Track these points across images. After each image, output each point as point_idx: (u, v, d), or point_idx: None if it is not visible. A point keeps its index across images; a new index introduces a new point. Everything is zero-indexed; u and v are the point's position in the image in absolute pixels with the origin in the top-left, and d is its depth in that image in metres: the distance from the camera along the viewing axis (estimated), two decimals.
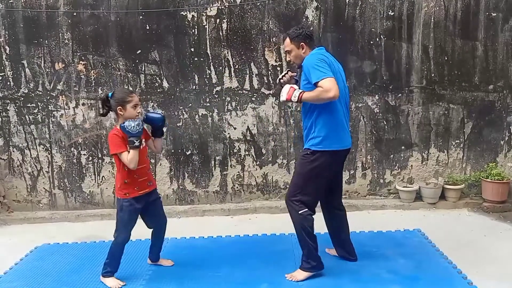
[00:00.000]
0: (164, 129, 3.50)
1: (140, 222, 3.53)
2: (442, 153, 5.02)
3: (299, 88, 3.13)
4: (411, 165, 5.03)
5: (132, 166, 3.02)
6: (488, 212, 4.72)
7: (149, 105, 4.83)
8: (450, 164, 5.04)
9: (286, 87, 3.16)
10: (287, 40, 3.21)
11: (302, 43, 3.15)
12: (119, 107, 3.05)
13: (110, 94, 3.13)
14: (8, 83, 4.77)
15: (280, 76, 3.38)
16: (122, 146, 3.03)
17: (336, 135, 3.14)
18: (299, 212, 3.17)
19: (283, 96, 3.15)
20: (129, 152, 3.02)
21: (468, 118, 4.95)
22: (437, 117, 4.94)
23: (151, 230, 3.49)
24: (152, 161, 4.93)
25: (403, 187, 4.96)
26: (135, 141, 3.00)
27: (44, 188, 4.99)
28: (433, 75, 4.84)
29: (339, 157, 3.25)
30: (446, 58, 4.81)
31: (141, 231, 4.39)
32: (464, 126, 4.96)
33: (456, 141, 4.99)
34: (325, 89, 2.90)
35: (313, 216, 3.21)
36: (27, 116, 4.84)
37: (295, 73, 3.36)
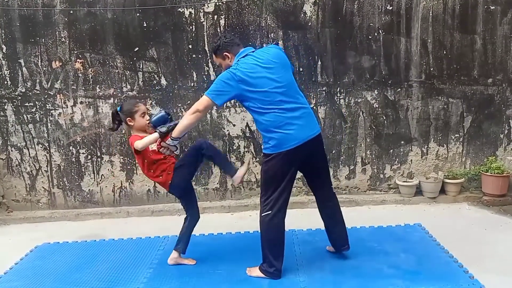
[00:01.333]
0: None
1: (140, 221, 3.53)
2: (442, 148, 5.01)
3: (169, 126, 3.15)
4: (411, 160, 5.02)
5: (140, 147, 3.11)
6: (488, 205, 4.72)
7: (147, 103, 4.80)
8: (450, 158, 5.03)
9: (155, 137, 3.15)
10: (213, 56, 3.28)
11: (225, 53, 3.17)
12: (128, 118, 3.26)
13: (119, 108, 3.32)
14: (5, 82, 4.74)
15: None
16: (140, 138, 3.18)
17: (283, 135, 3.02)
18: (262, 214, 3.17)
19: (160, 148, 3.17)
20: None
21: (468, 112, 4.94)
22: (436, 112, 4.93)
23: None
24: None
25: (403, 182, 4.95)
26: (163, 128, 3.12)
27: (43, 187, 4.97)
28: (432, 69, 4.83)
29: (298, 153, 3.09)
30: (445, 52, 4.80)
31: (141, 230, 4.41)
32: (463, 120, 4.96)
33: (456, 135, 4.99)
34: (197, 104, 3.03)
35: (278, 220, 3.14)
36: (25, 115, 4.82)
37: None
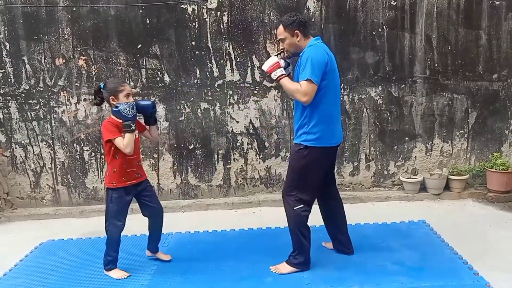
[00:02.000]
0: (157, 116, 3.45)
1: (144, 218, 3.53)
2: (446, 144, 4.98)
3: (288, 72, 3.11)
4: (415, 156, 5.00)
5: (128, 151, 3.01)
6: (493, 202, 4.69)
7: (150, 99, 4.80)
8: (454, 154, 5.01)
9: (273, 59, 3.09)
10: (281, 27, 3.09)
11: (296, 31, 3.04)
12: (112, 97, 3.08)
13: (102, 85, 3.14)
14: (9, 79, 4.75)
15: (277, 52, 3.27)
16: (116, 132, 3.04)
17: (330, 131, 3.09)
18: (294, 208, 3.15)
19: (265, 66, 3.09)
20: (123, 138, 3.01)
21: (472, 108, 4.91)
22: (441, 108, 4.90)
23: (148, 220, 3.48)
24: (155, 156, 4.93)
25: (407, 178, 4.93)
26: (131, 124, 2.99)
27: (47, 185, 4.99)
28: (436, 65, 4.80)
29: (332, 152, 3.23)
30: (449, 48, 4.77)
31: (145, 226, 4.40)
32: (468, 116, 4.92)
33: (460, 131, 4.96)
34: (302, 91, 2.91)
35: (308, 213, 3.18)
36: (28, 113, 4.83)
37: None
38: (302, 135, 3.10)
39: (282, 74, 3.04)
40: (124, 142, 3.00)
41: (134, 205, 4.87)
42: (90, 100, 4.78)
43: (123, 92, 3.08)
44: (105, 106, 4.77)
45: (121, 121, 3.00)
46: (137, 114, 3.08)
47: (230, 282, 3.18)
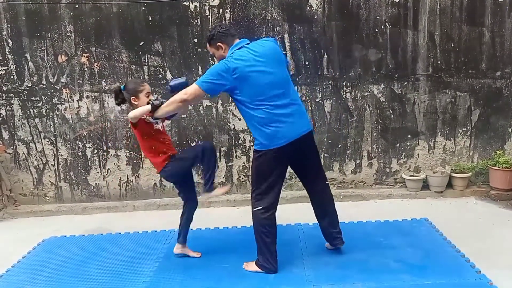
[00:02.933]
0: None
1: (146, 215, 3.54)
2: (449, 141, 4.97)
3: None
4: (418, 154, 4.99)
5: (132, 116, 3.05)
6: (496, 200, 4.68)
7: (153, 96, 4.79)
8: (457, 152, 4.99)
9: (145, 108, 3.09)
10: (207, 45, 3.21)
11: (218, 44, 3.10)
12: (133, 97, 3.16)
13: (122, 86, 3.23)
14: (12, 76, 4.76)
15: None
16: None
17: (270, 133, 3.00)
18: (254, 209, 3.18)
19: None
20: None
21: (475, 106, 4.89)
22: (443, 105, 4.88)
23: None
24: None
25: (410, 176, 4.92)
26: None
27: (50, 182, 5.00)
28: (439, 62, 4.78)
29: (288, 150, 3.08)
30: (452, 45, 4.75)
31: (147, 223, 4.42)
32: (471, 113, 4.91)
33: (463, 129, 4.94)
34: (184, 91, 2.98)
35: (267, 215, 3.15)
36: (31, 110, 4.83)
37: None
38: (255, 140, 3.14)
39: (158, 106, 3.05)
40: (137, 111, 3.05)
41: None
42: (93, 97, 4.79)
43: (143, 92, 3.17)
44: (107, 103, 4.82)
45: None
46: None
47: (232, 279, 3.18)
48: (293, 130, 3.07)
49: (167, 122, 3.69)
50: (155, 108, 3.05)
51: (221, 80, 2.93)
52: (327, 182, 3.44)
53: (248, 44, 3.09)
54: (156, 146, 3.24)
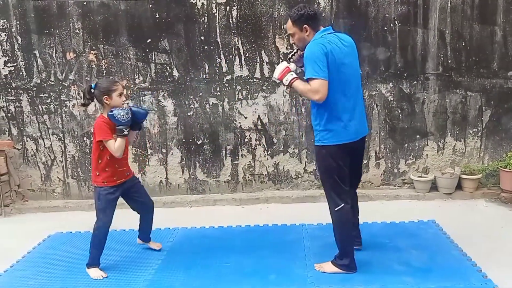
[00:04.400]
0: (143, 124, 3.50)
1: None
2: (459, 142, 4.88)
3: (297, 73, 3.03)
4: (426, 155, 4.91)
5: (118, 155, 3.06)
6: (506, 202, 4.58)
7: (159, 95, 4.81)
8: (467, 153, 4.90)
9: (282, 65, 3.03)
10: (289, 22, 3.02)
11: (305, 26, 2.95)
12: (105, 96, 3.09)
13: (93, 85, 3.15)
14: (21, 73, 4.80)
15: (289, 55, 3.23)
16: (109, 134, 3.06)
17: (341, 128, 2.96)
18: (335, 209, 3.08)
19: (276, 74, 3.03)
20: (115, 140, 3.05)
21: (486, 106, 4.79)
22: (453, 105, 4.80)
23: (140, 214, 3.54)
24: (164, 150, 4.93)
25: (418, 177, 4.84)
26: (124, 129, 3.04)
27: (58, 177, 5.04)
28: (449, 61, 4.69)
29: (349, 149, 3.05)
30: (463, 44, 4.65)
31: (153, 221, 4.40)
32: (482, 114, 4.81)
33: (474, 130, 4.85)
34: (313, 89, 2.82)
35: (347, 209, 3.07)
36: (40, 106, 4.88)
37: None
38: (317, 133, 3.05)
39: (293, 78, 2.97)
40: (116, 145, 3.05)
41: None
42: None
43: (116, 92, 3.10)
44: None
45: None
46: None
47: (234, 279, 3.17)
48: (358, 128, 3.07)
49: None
50: (123, 136, 3.04)
51: (325, 61, 2.82)
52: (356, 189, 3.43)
53: (335, 32, 3.04)
54: (103, 160, 3.15)
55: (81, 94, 3.30)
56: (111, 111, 3.02)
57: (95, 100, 3.22)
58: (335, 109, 2.95)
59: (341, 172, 3.04)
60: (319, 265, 3.25)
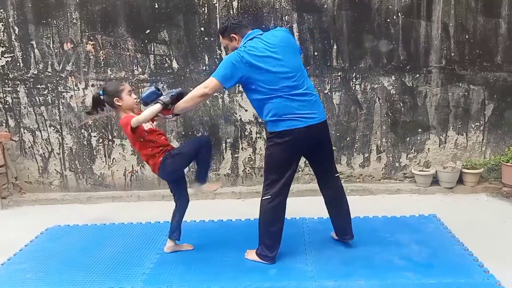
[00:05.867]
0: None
1: (151, 205, 3.49)
2: (461, 136, 4.84)
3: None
4: (428, 148, 4.86)
5: (142, 119, 2.99)
6: (508, 197, 4.55)
7: (158, 86, 4.73)
8: (469, 147, 4.86)
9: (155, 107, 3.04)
10: (220, 38, 3.21)
11: (232, 35, 3.09)
12: (116, 98, 3.08)
13: (101, 91, 3.16)
14: (18, 64, 4.74)
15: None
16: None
17: (289, 121, 2.98)
18: (262, 198, 3.16)
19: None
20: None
21: (489, 100, 4.74)
22: (456, 99, 4.74)
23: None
24: None
25: (419, 171, 4.81)
26: (162, 100, 3.01)
27: (55, 170, 5.00)
28: (453, 54, 4.63)
29: (303, 140, 3.04)
30: (467, 37, 4.59)
31: (150, 214, 4.39)
32: (484, 108, 4.76)
33: (476, 124, 4.80)
34: (204, 84, 2.98)
35: (274, 204, 3.12)
36: (37, 98, 4.81)
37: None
38: (268, 127, 3.11)
39: (168, 103, 3.03)
40: (147, 113, 2.98)
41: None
42: (98, 85, 4.74)
43: (124, 91, 3.11)
44: None
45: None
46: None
47: (233, 273, 3.12)
48: (308, 120, 3.03)
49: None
50: (166, 105, 3.00)
51: (236, 70, 2.92)
52: (337, 175, 3.38)
53: (260, 34, 3.08)
54: (152, 146, 3.16)
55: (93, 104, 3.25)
56: (142, 95, 3.07)
57: (90, 94, 3.22)
58: (277, 107, 2.98)
59: (278, 163, 3.09)
60: (248, 251, 3.34)
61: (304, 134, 3.01)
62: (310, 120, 3.02)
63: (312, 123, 3.03)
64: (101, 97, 3.15)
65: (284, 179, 3.10)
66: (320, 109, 3.13)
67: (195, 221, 4.14)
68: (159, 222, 4.10)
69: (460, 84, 4.70)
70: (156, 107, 3.00)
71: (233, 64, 2.92)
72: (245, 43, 3.03)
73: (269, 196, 3.12)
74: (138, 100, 3.23)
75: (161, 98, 3.03)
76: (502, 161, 4.66)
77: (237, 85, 4.65)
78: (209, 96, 3.12)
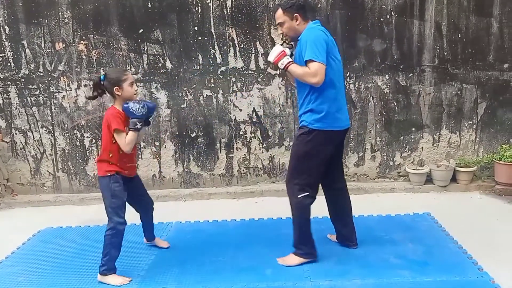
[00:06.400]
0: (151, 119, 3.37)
1: None
2: (454, 135, 4.86)
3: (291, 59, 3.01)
4: (422, 147, 4.88)
5: (127, 149, 2.92)
6: (501, 195, 4.58)
7: (152, 86, 4.72)
8: (462, 146, 4.89)
9: (278, 49, 3.01)
10: (279, 11, 3.02)
11: (296, 14, 2.97)
12: (116, 87, 2.94)
13: (102, 76, 2.99)
14: (9, 64, 4.68)
15: (283, 40, 3.21)
16: (122, 126, 2.92)
17: (333, 115, 3.00)
18: (298, 196, 3.08)
19: (271, 57, 3.02)
20: (126, 134, 2.92)
21: (482, 98, 4.77)
22: (449, 98, 4.77)
23: (140, 213, 3.43)
24: (157, 143, 4.86)
25: (413, 169, 4.82)
26: (137, 123, 2.90)
27: (47, 171, 4.94)
28: (446, 53, 4.65)
29: (337, 138, 3.11)
30: (459, 36, 4.62)
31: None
32: (477, 106, 4.79)
33: (469, 122, 4.83)
34: (312, 72, 2.84)
35: (312, 200, 3.10)
36: (28, 98, 4.76)
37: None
38: (307, 114, 3.01)
39: (289, 62, 2.96)
40: (127, 139, 2.90)
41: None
42: (91, 86, 4.66)
43: (127, 81, 2.94)
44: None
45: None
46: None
47: (229, 274, 3.11)
48: (346, 118, 3.14)
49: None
50: (135, 130, 2.91)
51: (325, 47, 2.87)
52: (345, 186, 3.40)
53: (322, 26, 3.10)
54: (114, 154, 2.98)
55: (92, 88, 3.08)
56: (126, 103, 2.88)
57: (82, 94, 3.12)
58: (330, 97, 2.98)
59: (320, 160, 3.05)
60: (282, 258, 3.23)
61: (340, 132, 3.12)
62: (346, 121, 3.16)
63: (345, 127, 3.14)
64: (102, 82, 2.97)
65: (320, 175, 3.15)
66: (348, 114, 3.23)
67: (189, 221, 4.13)
68: (153, 223, 4.06)
69: (453, 83, 4.73)
70: (134, 136, 2.92)
71: (324, 41, 2.87)
72: (316, 25, 3.01)
73: (308, 193, 3.06)
74: (137, 92, 3.08)
75: (133, 122, 2.90)
76: (495, 159, 4.69)
77: (232, 84, 4.70)
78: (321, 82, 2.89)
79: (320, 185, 3.27)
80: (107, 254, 3.01)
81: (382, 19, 4.58)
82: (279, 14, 3.03)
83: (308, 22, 3.04)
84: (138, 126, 2.92)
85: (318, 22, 3.08)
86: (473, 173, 4.78)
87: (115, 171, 2.99)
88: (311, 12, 4.50)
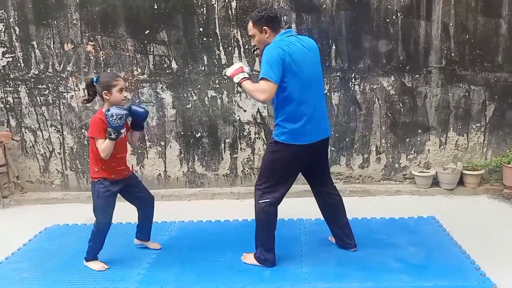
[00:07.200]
0: (145, 124, 3.42)
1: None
2: (462, 137, 4.80)
3: (249, 74, 3.04)
4: (428, 150, 4.83)
5: (104, 156, 2.98)
6: (509, 199, 4.51)
7: (157, 87, 4.76)
8: (469, 148, 4.82)
9: (237, 65, 3.05)
10: (250, 24, 3.04)
11: (264, 27, 2.98)
12: (105, 91, 3.00)
13: (95, 78, 3.06)
14: (19, 64, 4.77)
15: (253, 48, 3.27)
16: (101, 132, 2.98)
17: (299, 129, 2.96)
18: (259, 201, 3.11)
19: (229, 71, 3.04)
20: (105, 140, 2.98)
21: (490, 100, 4.69)
22: (456, 99, 4.71)
23: (138, 210, 3.49)
24: (162, 143, 4.90)
25: (419, 172, 4.77)
26: (112, 133, 2.94)
27: (56, 169, 5.03)
28: (453, 54, 4.59)
29: (306, 151, 3.04)
30: (467, 37, 4.55)
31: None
32: (485, 108, 4.72)
33: (477, 125, 4.76)
34: (260, 89, 2.84)
35: (273, 208, 3.12)
36: (38, 98, 4.85)
37: None
38: (274, 130, 3.07)
39: (244, 78, 2.98)
40: (103, 146, 2.96)
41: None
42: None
43: (116, 87, 3.00)
44: None
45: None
46: (128, 117, 3.06)
47: (228, 274, 3.12)
48: (318, 132, 3.07)
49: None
50: (110, 139, 2.95)
51: (280, 66, 2.83)
52: (333, 185, 3.39)
53: (295, 34, 3.08)
54: (100, 158, 3.04)
55: (85, 89, 3.19)
56: (108, 110, 2.92)
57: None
58: (293, 111, 2.96)
59: (283, 171, 3.06)
60: (244, 255, 3.32)
61: (309, 146, 3.05)
62: (318, 134, 3.09)
63: (318, 138, 3.08)
64: (94, 83, 3.05)
65: (286, 187, 3.15)
66: (327, 124, 3.18)
67: (192, 221, 4.16)
68: (156, 222, 4.06)
69: (461, 84, 4.66)
70: (109, 143, 2.96)
71: (281, 58, 2.82)
72: (281, 38, 2.96)
73: (268, 200, 3.10)
74: (127, 97, 3.12)
75: (108, 132, 2.94)
76: (503, 162, 4.62)
77: (236, 85, 4.70)
78: (268, 101, 2.94)
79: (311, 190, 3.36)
80: (90, 246, 3.28)
81: (388, 20, 4.54)
82: (250, 27, 3.06)
83: (279, 32, 3.02)
84: (113, 136, 2.94)
85: (290, 31, 3.07)
86: (481, 176, 4.71)
87: (101, 177, 3.10)
88: (323, 16, 4.53)
